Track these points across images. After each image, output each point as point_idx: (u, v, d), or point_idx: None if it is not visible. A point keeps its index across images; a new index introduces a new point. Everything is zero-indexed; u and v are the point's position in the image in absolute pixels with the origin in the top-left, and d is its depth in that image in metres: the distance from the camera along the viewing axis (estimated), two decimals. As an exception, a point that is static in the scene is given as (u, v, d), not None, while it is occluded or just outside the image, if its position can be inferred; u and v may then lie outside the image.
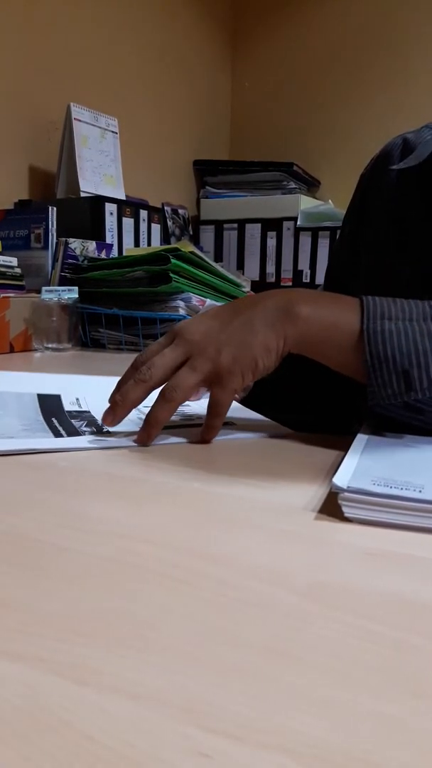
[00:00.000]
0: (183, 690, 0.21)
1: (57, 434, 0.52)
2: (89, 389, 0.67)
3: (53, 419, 0.57)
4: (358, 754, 0.19)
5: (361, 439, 0.48)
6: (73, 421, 0.57)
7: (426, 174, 0.76)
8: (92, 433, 0.54)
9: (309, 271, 1.99)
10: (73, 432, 0.53)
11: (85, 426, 0.55)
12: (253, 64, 2.41)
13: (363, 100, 2.21)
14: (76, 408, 0.61)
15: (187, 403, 0.67)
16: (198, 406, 0.67)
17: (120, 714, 0.20)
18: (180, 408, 0.66)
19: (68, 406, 0.62)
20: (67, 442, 0.51)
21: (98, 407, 0.62)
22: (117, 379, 0.72)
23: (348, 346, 0.49)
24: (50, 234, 1.32)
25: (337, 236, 0.97)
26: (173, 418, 0.60)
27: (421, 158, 0.73)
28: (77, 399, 0.64)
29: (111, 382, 0.70)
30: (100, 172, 1.59)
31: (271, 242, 2.05)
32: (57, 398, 0.63)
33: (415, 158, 0.74)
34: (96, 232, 1.43)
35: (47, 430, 0.54)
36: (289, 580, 0.30)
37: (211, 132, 2.37)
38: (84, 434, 0.53)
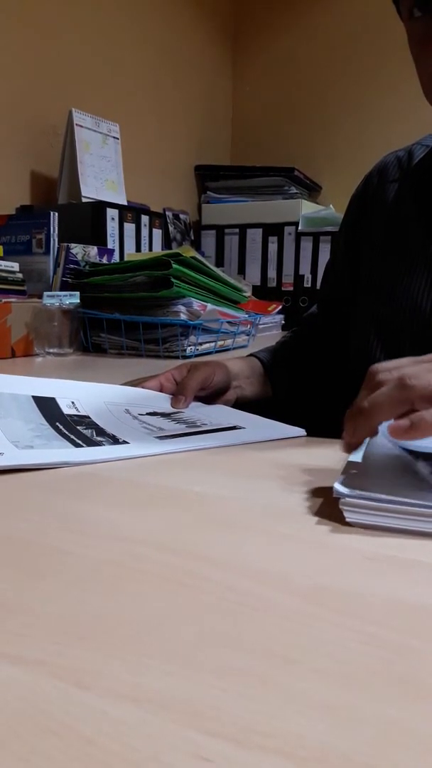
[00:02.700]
0: (184, 693, 0.21)
1: (75, 444, 0.52)
2: (81, 393, 0.67)
3: (58, 424, 0.57)
4: (358, 758, 0.19)
5: (363, 443, 0.48)
6: (79, 428, 0.57)
7: (419, 182, 0.77)
8: (109, 443, 0.53)
9: (310, 276, 1.99)
10: (88, 442, 0.53)
11: (97, 435, 0.55)
12: (254, 69, 2.42)
13: (364, 105, 2.22)
14: (74, 412, 0.61)
15: (185, 411, 0.67)
16: (201, 413, 0.67)
17: (121, 717, 0.20)
18: (185, 414, 0.66)
19: (66, 409, 0.62)
20: (109, 451, 0.51)
21: (96, 411, 0.62)
22: (106, 385, 0.72)
23: None
24: (52, 239, 1.32)
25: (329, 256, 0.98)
26: (176, 425, 0.61)
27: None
28: (73, 402, 0.64)
29: (100, 388, 0.70)
30: (101, 178, 1.60)
31: (273, 247, 2.05)
32: (53, 401, 0.63)
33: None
34: (97, 237, 1.43)
35: (60, 438, 0.53)
36: (290, 583, 0.30)
37: (212, 137, 2.38)
38: (101, 444, 0.53)
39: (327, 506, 0.40)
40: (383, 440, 0.50)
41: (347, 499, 0.37)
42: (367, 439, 0.49)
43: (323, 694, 0.22)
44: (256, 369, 0.84)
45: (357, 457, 0.45)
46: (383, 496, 0.37)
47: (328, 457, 0.51)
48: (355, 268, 0.84)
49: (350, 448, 0.44)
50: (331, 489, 0.40)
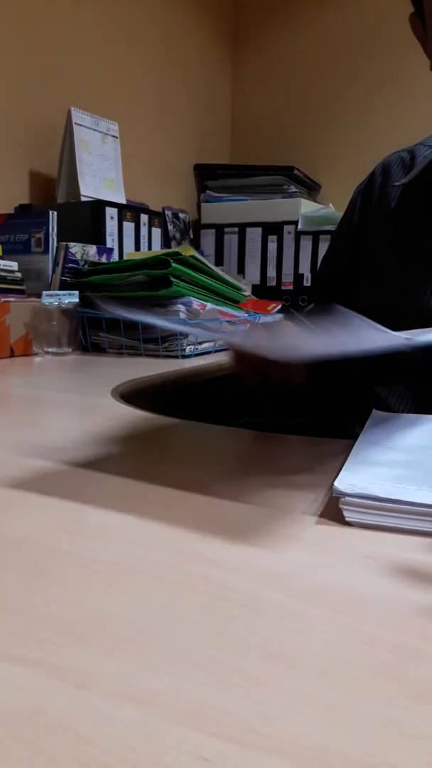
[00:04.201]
0: (183, 693, 0.21)
1: None
2: None
3: None
4: (358, 758, 0.19)
5: (362, 442, 0.48)
6: None
7: (427, 186, 0.77)
8: None
9: (310, 275, 1.99)
10: None
11: None
12: (253, 69, 2.42)
13: (363, 105, 2.22)
14: None
15: None
16: None
17: (120, 717, 0.20)
18: None
19: None
20: None
21: None
22: None
23: None
24: (51, 238, 1.32)
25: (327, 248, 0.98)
26: None
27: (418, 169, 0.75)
28: None
29: None
30: (100, 177, 1.60)
31: (272, 246, 2.05)
32: None
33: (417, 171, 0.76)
34: (96, 236, 1.43)
35: None
36: (289, 584, 0.30)
37: (211, 136, 2.38)
38: None
39: (327, 506, 0.40)
40: (381, 437, 0.50)
41: (347, 499, 0.37)
42: (366, 440, 0.49)
43: (323, 695, 0.22)
44: None
45: (357, 455, 0.45)
46: (383, 496, 0.37)
47: (326, 456, 0.51)
48: (356, 261, 0.84)
49: None
50: (331, 488, 0.40)
